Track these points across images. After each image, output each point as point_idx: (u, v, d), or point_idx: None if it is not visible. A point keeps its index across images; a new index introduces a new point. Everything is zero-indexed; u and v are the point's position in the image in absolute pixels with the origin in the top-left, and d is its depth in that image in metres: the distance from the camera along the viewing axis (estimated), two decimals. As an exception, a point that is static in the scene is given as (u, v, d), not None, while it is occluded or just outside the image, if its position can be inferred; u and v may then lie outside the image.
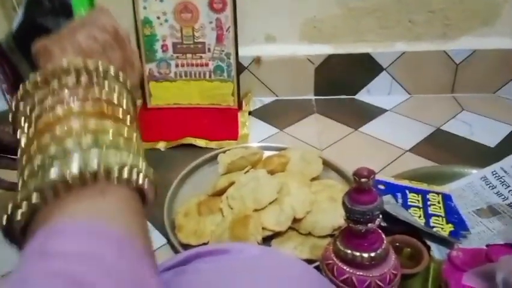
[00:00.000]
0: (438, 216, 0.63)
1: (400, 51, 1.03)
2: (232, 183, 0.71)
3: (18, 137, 0.30)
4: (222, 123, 0.99)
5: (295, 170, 0.76)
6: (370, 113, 1.01)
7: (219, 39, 1.01)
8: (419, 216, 0.63)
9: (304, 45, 1.06)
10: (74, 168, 0.25)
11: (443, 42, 1.02)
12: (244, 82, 1.05)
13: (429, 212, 0.64)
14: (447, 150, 0.86)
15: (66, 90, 0.29)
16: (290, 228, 0.64)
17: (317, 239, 0.63)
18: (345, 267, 0.47)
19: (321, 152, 0.87)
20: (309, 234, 0.64)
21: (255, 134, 0.96)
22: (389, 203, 0.64)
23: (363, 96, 1.08)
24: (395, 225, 0.60)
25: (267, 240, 0.63)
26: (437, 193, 0.68)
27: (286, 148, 0.83)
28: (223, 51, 1.02)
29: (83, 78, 0.30)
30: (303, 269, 0.34)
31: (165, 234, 0.66)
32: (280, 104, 1.09)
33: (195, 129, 0.96)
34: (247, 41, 1.05)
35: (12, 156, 0.61)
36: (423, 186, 0.70)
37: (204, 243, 0.63)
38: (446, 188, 0.70)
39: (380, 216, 0.46)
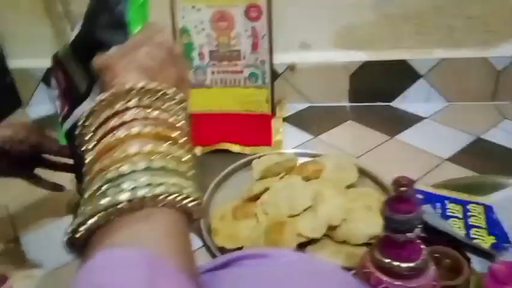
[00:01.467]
0: (479, 227, 0.61)
1: (438, 58, 1.01)
2: (266, 189, 0.72)
3: (83, 151, 0.32)
4: (256, 129, 1.00)
5: (330, 178, 0.76)
6: (407, 120, 0.99)
7: (254, 46, 1.02)
8: (459, 227, 0.62)
9: (339, 51, 1.05)
10: (125, 195, 0.26)
11: (484, 48, 1.00)
12: (278, 89, 1.06)
13: (470, 223, 0.62)
14: (488, 159, 0.84)
15: (128, 112, 0.31)
16: (325, 235, 0.64)
17: (352, 247, 0.63)
18: (382, 277, 0.47)
19: (356, 160, 0.86)
20: (344, 242, 0.63)
21: (289, 140, 0.96)
22: (428, 213, 0.63)
23: (399, 103, 1.07)
24: (434, 236, 0.59)
25: (301, 247, 0.63)
26: (478, 204, 0.66)
27: (321, 155, 0.83)
28: (258, 58, 1.03)
29: (144, 100, 0.32)
30: (344, 276, 0.34)
31: (201, 238, 0.67)
32: (314, 111, 1.09)
33: (229, 135, 0.97)
34: (282, 48, 1.06)
35: (56, 160, 0.64)
36: (464, 197, 0.68)
37: (239, 248, 0.64)
38: (487, 199, 0.68)
39: (420, 226, 0.46)
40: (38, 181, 0.65)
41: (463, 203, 0.66)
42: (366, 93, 1.07)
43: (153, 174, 0.28)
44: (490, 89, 1.02)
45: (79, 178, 0.57)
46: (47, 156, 0.63)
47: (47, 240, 0.73)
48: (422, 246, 0.47)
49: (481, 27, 0.98)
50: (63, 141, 0.59)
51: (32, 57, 1.15)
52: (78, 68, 0.49)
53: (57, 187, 0.68)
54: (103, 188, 0.28)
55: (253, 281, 0.31)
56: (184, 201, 0.28)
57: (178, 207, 0.28)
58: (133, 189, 0.27)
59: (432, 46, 1.01)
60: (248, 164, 0.83)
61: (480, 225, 0.62)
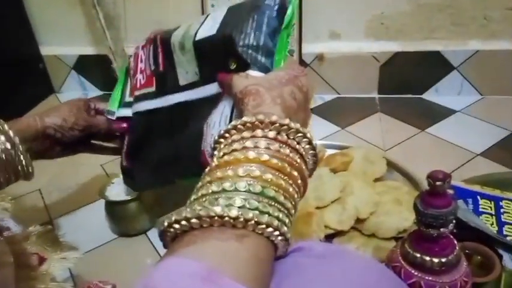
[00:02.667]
0: (512, 225, 0.60)
1: (473, 49, 0.98)
2: (294, 180, 0.72)
3: (212, 158, 0.35)
4: (283, 119, 1.00)
5: (358, 170, 0.75)
6: (438, 113, 0.97)
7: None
8: (491, 224, 0.60)
9: (370, 42, 1.03)
10: (235, 211, 0.28)
11: (521, 40, 0.96)
12: (306, 79, 1.05)
13: (503, 220, 0.61)
14: (522, 155, 0.81)
15: (264, 141, 0.33)
16: (353, 228, 0.64)
17: (381, 240, 0.62)
18: (413, 271, 0.46)
19: (384, 153, 0.85)
20: (373, 235, 0.63)
21: (316, 131, 0.95)
22: (460, 208, 0.62)
23: (431, 96, 1.04)
24: (465, 232, 0.58)
25: (329, 239, 0.63)
26: (512, 201, 0.65)
27: (349, 147, 0.82)
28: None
29: (282, 135, 0.34)
30: (377, 266, 0.34)
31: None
32: (342, 102, 1.08)
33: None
34: (311, 38, 1.05)
35: (106, 144, 0.65)
36: (496, 193, 0.66)
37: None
38: (522, 196, 0.66)
39: (453, 221, 0.45)
40: (98, 150, 0.66)
41: (496, 199, 0.64)
42: (396, 84, 1.05)
43: (264, 201, 0.30)
44: (526, 82, 0.99)
45: (129, 156, 0.58)
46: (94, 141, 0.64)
47: (79, 224, 0.75)
48: (455, 242, 0.47)
49: (519, 18, 0.94)
50: (113, 107, 0.60)
51: (64, 45, 1.18)
52: (189, 62, 0.49)
53: (117, 151, 0.66)
54: (216, 195, 0.30)
55: (293, 274, 0.32)
56: (279, 238, 0.30)
57: (270, 239, 0.30)
58: (242, 207, 0.29)
59: (467, 37, 0.98)
60: (275, 154, 0.83)
61: (514, 222, 0.60)
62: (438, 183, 0.42)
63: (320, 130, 0.96)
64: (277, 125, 0.34)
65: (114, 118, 0.59)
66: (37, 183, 0.85)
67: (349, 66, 1.05)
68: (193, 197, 0.32)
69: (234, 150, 0.33)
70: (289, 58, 0.47)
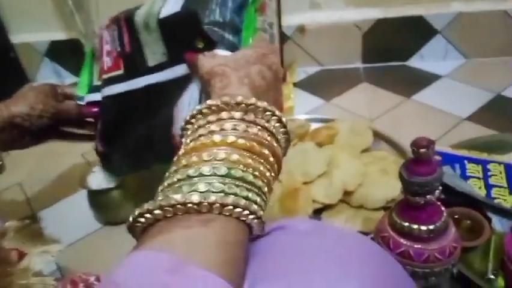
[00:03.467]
0: (500, 187, 0.59)
1: (456, 11, 0.96)
2: (280, 156, 0.70)
3: (181, 145, 0.34)
4: (266, 95, 0.98)
5: (344, 142, 0.74)
6: (423, 79, 0.96)
7: (261, 9, 0.98)
8: (479, 188, 0.60)
9: (351, 10, 1.01)
10: (196, 196, 0.27)
11: (503, 0, 0.94)
12: (287, 52, 1.03)
13: (490, 182, 0.60)
14: (508, 117, 0.80)
15: (230, 123, 0.32)
16: (341, 201, 0.63)
17: (369, 211, 0.61)
18: (401, 240, 0.45)
19: (371, 123, 0.84)
20: (361, 207, 0.62)
21: (301, 106, 0.94)
22: (447, 174, 0.61)
23: (415, 62, 1.03)
24: (453, 197, 0.58)
25: (317, 213, 0.62)
26: (499, 163, 0.64)
27: (334, 120, 0.80)
28: (265, 21, 0.99)
29: (250, 115, 0.33)
30: (363, 240, 0.33)
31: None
32: (326, 74, 1.05)
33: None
34: (290, 9, 1.01)
35: (77, 131, 0.62)
36: (483, 156, 0.66)
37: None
38: (508, 158, 0.65)
39: (440, 188, 0.44)
40: (69, 137, 0.63)
41: (483, 163, 0.64)
42: (380, 53, 1.03)
43: (230, 183, 0.29)
44: (510, 43, 0.97)
45: (103, 141, 0.56)
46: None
47: (62, 215, 0.73)
48: (442, 208, 0.46)
49: (502, -23, 0.92)
50: (82, 92, 0.57)
51: (34, 31, 1.13)
52: (156, 42, 0.47)
53: (90, 137, 0.64)
54: (181, 182, 0.29)
55: (275, 253, 0.31)
56: (249, 217, 0.29)
57: (240, 220, 0.29)
58: (206, 191, 0.28)
59: (449, 0, 0.96)
60: (260, 131, 0.81)
61: (501, 184, 0.60)
62: (422, 150, 0.41)
63: (304, 104, 0.94)
64: (243, 105, 0.33)
65: (84, 103, 0.56)
66: (17, 177, 0.83)
67: (331, 37, 1.03)
68: (160, 188, 0.31)
69: (200, 135, 0.32)
70: (258, 35, 0.45)
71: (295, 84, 1.02)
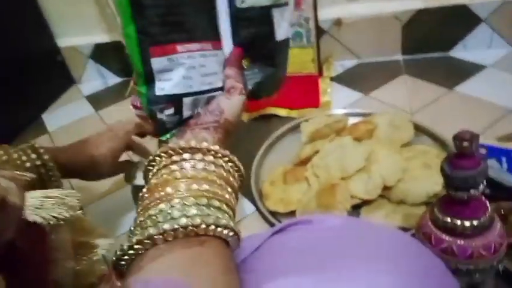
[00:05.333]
0: (551, 181, 0.56)
1: (501, -1, 0.91)
2: (316, 152, 0.70)
3: (146, 182, 0.37)
4: (303, 91, 0.97)
5: (383, 137, 0.72)
6: (467, 70, 0.92)
7: (297, 3, 0.98)
8: (529, 182, 0.57)
9: (390, 1, 0.98)
10: (168, 225, 0.30)
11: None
12: (324, 47, 1.02)
13: (541, 177, 0.57)
14: (559, 107, 0.76)
15: (188, 163, 0.35)
16: (380, 196, 0.62)
17: (411, 207, 0.60)
18: (444, 236, 0.44)
19: (411, 116, 0.82)
20: (402, 202, 0.61)
21: (338, 100, 0.92)
22: (493, 167, 0.58)
23: (458, 52, 0.99)
24: (499, 191, 0.55)
25: (356, 209, 0.62)
26: (550, 156, 0.60)
27: (373, 113, 0.79)
28: (301, 15, 0.98)
29: (208, 156, 0.36)
30: (393, 234, 0.33)
31: (253, 202, 0.68)
32: (363, 68, 1.03)
33: (275, 98, 0.95)
34: (327, 3, 1.00)
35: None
36: (533, 149, 0.62)
37: (291, 212, 0.64)
38: (561, 150, 0.62)
39: (484, 182, 0.42)
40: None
41: (533, 156, 0.60)
42: (421, 44, 1.00)
43: (198, 209, 0.31)
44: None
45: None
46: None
47: (108, 210, 0.76)
48: (487, 203, 0.44)
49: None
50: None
51: (79, 35, 1.19)
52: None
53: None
54: (153, 217, 0.31)
55: (294, 246, 0.31)
56: (224, 232, 0.31)
57: (217, 237, 0.31)
58: (178, 218, 0.30)
59: (495, -15, 0.91)
60: (296, 127, 0.81)
61: (552, 178, 0.57)
62: (464, 143, 0.40)
63: (342, 98, 0.93)
64: (196, 148, 0.36)
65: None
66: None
67: (369, 29, 1.01)
68: (131, 227, 0.33)
69: (163, 174, 0.35)
70: None
71: (332, 79, 1.01)
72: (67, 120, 1.08)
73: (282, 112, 0.92)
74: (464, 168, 0.41)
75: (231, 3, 0.44)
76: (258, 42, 0.46)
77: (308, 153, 0.71)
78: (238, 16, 0.44)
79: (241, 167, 0.38)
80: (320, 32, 1.00)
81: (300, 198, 0.65)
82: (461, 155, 0.41)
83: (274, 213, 0.64)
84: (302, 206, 0.63)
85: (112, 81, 1.24)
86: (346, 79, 1.00)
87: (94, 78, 1.24)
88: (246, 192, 0.69)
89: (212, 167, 0.35)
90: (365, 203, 0.62)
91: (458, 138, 0.40)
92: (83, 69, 1.23)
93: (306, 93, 0.96)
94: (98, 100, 1.15)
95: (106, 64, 1.22)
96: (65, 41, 1.20)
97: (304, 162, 0.71)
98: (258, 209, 0.67)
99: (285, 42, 0.48)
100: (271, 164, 0.75)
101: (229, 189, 0.35)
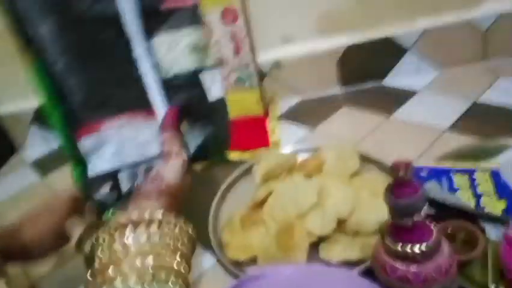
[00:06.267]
0: (488, 195, 0.60)
1: (421, 28, 0.99)
2: (271, 193, 0.71)
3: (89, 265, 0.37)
4: (251, 132, 0.99)
5: (332, 170, 0.75)
6: (400, 97, 0.98)
7: (236, 50, 1.01)
8: (468, 198, 0.60)
9: (322, 39, 1.04)
10: None
11: (465, 11, 0.98)
12: (267, 87, 1.05)
13: (478, 192, 0.61)
14: (489, 122, 0.82)
15: (131, 238, 0.35)
16: (336, 230, 0.63)
17: (366, 237, 0.61)
18: (397, 265, 0.46)
19: (356, 146, 0.85)
20: (357, 234, 0.62)
21: (287, 138, 0.95)
22: (434, 188, 0.62)
23: (391, 80, 1.05)
24: (444, 211, 0.58)
25: (314, 246, 0.62)
26: (484, 170, 0.65)
27: (320, 148, 0.82)
28: (242, 61, 1.02)
29: (152, 226, 0.37)
30: (344, 279, 0.34)
31: (214, 253, 0.67)
32: (307, 104, 1.08)
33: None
34: (264, 46, 1.04)
35: None
36: (468, 166, 0.67)
37: (252, 258, 0.63)
38: (493, 164, 0.66)
39: (425, 206, 0.45)
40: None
41: (469, 172, 0.65)
42: (356, 76, 1.06)
43: (142, 287, 0.31)
44: (478, 50, 1.01)
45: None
46: None
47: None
48: (431, 226, 0.46)
49: (459, -10, 0.96)
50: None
51: (18, 100, 1.15)
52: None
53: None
54: None
55: None
56: None
57: None
58: None
59: (413, 18, 1.00)
60: (249, 169, 0.82)
61: (489, 192, 0.61)
62: (400, 173, 0.42)
63: (290, 136, 0.96)
64: (146, 221, 0.37)
65: None
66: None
67: (306, 68, 1.06)
68: None
69: (109, 252, 0.35)
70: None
71: (279, 117, 1.03)
72: (12, 191, 1.03)
73: (234, 156, 0.93)
74: (404, 196, 0.43)
75: (157, 74, 0.45)
76: (192, 105, 0.47)
77: (263, 195, 0.72)
78: (167, 84, 0.46)
79: (190, 229, 0.38)
80: (261, 74, 1.03)
81: (259, 242, 0.65)
82: (400, 184, 0.43)
83: (236, 262, 0.64)
84: (262, 251, 0.63)
85: (57, 144, 1.20)
86: (292, 116, 1.03)
87: (38, 144, 1.20)
88: (205, 244, 0.69)
89: (156, 238, 0.35)
90: (323, 238, 0.63)
91: (393, 168, 0.43)
92: (25, 136, 1.19)
93: (256, 135, 0.98)
94: (43, 166, 1.11)
95: (49, 127, 1.19)
96: (4, 108, 1.16)
97: (260, 204, 0.72)
98: (218, 260, 0.66)
99: (220, 101, 0.50)
100: (229, 211, 0.75)
101: (178, 257, 0.35)
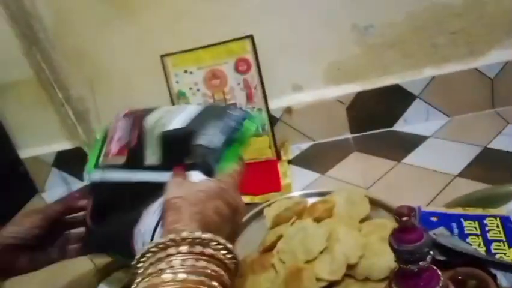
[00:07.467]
0: (499, 241, 0.60)
1: (429, 76, 1.02)
2: (280, 237, 0.72)
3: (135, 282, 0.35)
4: (263, 176, 1.01)
5: (342, 214, 0.75)
6: (411, 142, 0.99)
7: (249, 97, 1.06)
8: (479, 245, 0.60)
9: (331, 87, 1.08)
10: None
11: (472, 60, 1.01)
12: (279, 133, 1.08)
13: (489, 238, 0.61)
14: (498, 169, 0.82)
15: (178, 259, 0.34)
16: (346, 275, 0.63)
17: (375, 283, 0.61)
18: (405, 312, 0.45)
19: (366, 191, 0.86)
20: (367, 279, 0.62)
21: (298, 182, 0.97)
22: (444, 235, 0.62)
23: (400, 126, 1.07)
24: (454, 258, 0.58)
25: (324, 291, 0.62)
26: (495, 216, 0.65)
27: (330, 192, 0.83)
28: (254, 107, 1.06)
29: (196, 248, 0.35)
30: None
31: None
32: (318, 148, 1.10)
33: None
34: (276, 94, 1.09)
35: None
36: (479, 212, 0.67)
37: (262, 302, 0.63)
38: (503, 210, 0.66)
39: (431, 252, 0.45)
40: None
41: (479, 219, 0.65)
42: (366, 122, 1.08)
43: None
44: (487, 97, 1.02)
45: (92, 218, 0.58)
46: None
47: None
48: (439, 272, 0.46)
49: (464, 39, 0.99)
50: (89, 170, 0.60)
51: (41, 145, 1.21)
52: (156, 147, 0.53)
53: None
54: None
55: None
56: None
57: None
58: None
59: (421, 66, 1.03)
60: (260, 213, 0.83)
61: (500, 238, 0.60)
62: (404, 218, 0.43)
63: (301, 180, 0.97)
64: (190, 239, 0.35)
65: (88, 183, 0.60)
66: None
67: (317, 114, 1.09)
68: None
69: (150, 273, 0.34)
70: (230, 168, 0.50)
71: (290, 162, 1.05)
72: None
73: (245, 199, 0.94)
74: (409, 242, 0.44)
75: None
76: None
77: (272, 239, 0.72)
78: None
79: (234, 252, 0.38)
80: (273, 120, 1.07)
81: (268, 287, 0.65)
82: (404, 230, 0.44)
83: (245, 307, 0.64)
84: (271, 295, 0.63)
85: (76, 187, 1.24)
86: (303, 161, 1.05)
87: (58, 185, 1.24)
88: None
89: (203, 263, 0.34)
90: (332, 284, 0.63)
91: (397, 214, 0.44)
92: (46, 178, 1.24)
93: (267, 178, 1.00)
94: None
95: (69, 170, 1.23)
96: (27, 151, 1.21)
97: (269, 248, 0.72)
98: (228, 304, 0.66)
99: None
100: (239, 255, 0.75)
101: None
